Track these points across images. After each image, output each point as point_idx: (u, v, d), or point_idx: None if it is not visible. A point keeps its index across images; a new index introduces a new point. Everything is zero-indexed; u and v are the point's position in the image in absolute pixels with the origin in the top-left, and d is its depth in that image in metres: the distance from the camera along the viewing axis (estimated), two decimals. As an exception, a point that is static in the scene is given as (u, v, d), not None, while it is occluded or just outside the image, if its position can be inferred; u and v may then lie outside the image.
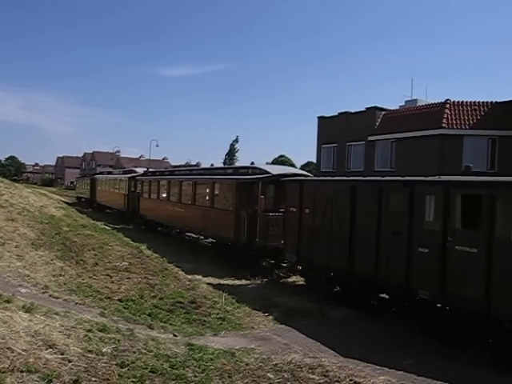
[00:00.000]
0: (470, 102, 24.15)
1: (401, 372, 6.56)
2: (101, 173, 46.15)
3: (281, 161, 64.27)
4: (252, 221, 14.27)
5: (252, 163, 24.73)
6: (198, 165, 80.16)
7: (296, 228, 11.96)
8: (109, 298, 9.87)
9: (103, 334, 6.13)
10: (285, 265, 14.11)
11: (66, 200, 45.77)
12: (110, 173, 42.46)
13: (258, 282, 13.17)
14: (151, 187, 25.40)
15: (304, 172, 16.58)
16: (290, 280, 13.68)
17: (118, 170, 45.72)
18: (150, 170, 32.04)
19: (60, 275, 10.87)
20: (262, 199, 14.53)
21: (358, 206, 10.20)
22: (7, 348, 4.77)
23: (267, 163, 51.34)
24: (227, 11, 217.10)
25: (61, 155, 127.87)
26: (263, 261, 14.85)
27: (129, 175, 30.87)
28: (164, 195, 23.33)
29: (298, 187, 12.17)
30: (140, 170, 31.32)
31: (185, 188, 20.60)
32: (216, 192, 17.40)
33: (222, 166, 23.24)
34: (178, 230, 22.35)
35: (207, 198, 18.23)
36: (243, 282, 13.23)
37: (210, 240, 19.42)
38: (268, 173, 14.89)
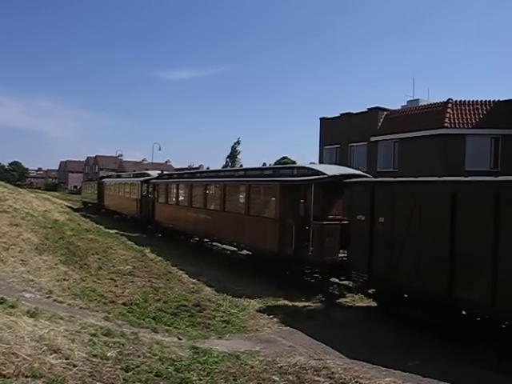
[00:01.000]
0: (473, 101, 24.11)
1: (406, 373, 6.52)
2: (109, 176, 42.12)
3: (283, 162, 64.26)
4: (301, 230, 12.14)
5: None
6: (200, 168, 79.95)
7: (366, 241, 9.78)
8: (113, 301, 9.89)
9: (108, 338, 6.13)
10: (340, 282, 12.22)
11: (70, 205, 44.87)
12: (119, 176, 38.97)
13: (316, 302, 11.00)
14: (168, 191, 22.74)
15: (362, 173, 13.82)
16: (346, 300, 11.50)
17: (128, 172, 41.78)
18: (166, 172, 29.54)
19: (64, 280, 10.90)
20: (317, 204, 12.44)
21: (462, 215, 8.01)
22: (12, 353, 4.78)
23: (269, 164, 51.34)
24: (227, 14, 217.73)
25: (64, 160, 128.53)
26: (312, 277, 12.87)
27: (142, 178, 28.01)
28: (184, 200, 20.76)
29: (368, 191, 10.02)
30: (154, 173, 28.25)
31: (211, 192, 18.31)
32: (253, 196, 14.93)
33: (258, 166, 19.31)
34: (205, 239, 19.49)
35: (241, 203, 15.71)
36: (301, 303, 10.87)
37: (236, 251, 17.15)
38: (322, 173, 12.40)
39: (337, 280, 12.38)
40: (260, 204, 14.80)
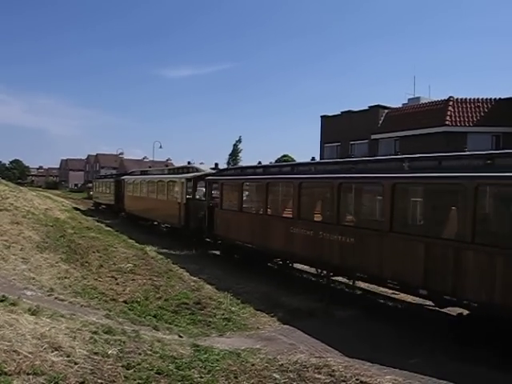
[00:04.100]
0: (474, 99, 24.10)
1: (407, 371, 6.52)
2: (131, 172, 35.02)
3: (284, 160, 64.20)
4: None
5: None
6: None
7: None
8: (114, 299, 9.89)
9: (109, 336, 6.14)
10: None
11: (77, 206, 41.49)
12: (145, 172, 30.99)
13: None
14: (243, 193, 15.40)
15: None
16: None
17: (160, 168, 33.54)
18: (230, 166, 22.12)
19: (65, 278, 10.91)
20: None
21: None
22: (13, 351, 4.79)
23: (270, 163, 50.98)
24: (228, 11, 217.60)
25: (64, 158, 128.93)
26: None
27: (187, 175, 20.54)
28: (285, 208, 13.56)
29: None
30: (204, 168, 21.18)
31: (353, 198, 11.84)
32: (484, 208, 8.52)
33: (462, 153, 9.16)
34: (326, 271, 11.82)
35: (450, 220, 8.95)
36: None
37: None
38: None
39: None
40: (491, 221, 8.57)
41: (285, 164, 16.70)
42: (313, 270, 13.23)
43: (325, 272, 11.94)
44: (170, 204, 21.52)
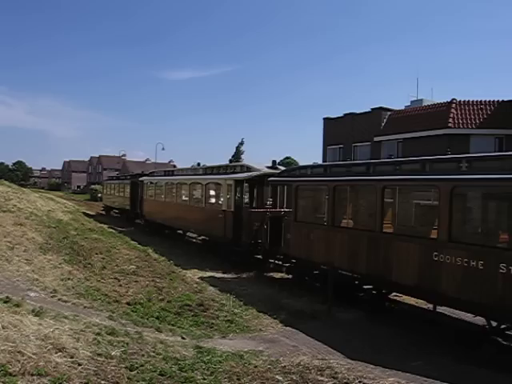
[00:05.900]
0: (476, 101, 24.05)
1: (410, 373, 6.51)
2: (151, 173, 29.44)
3: (287, 162, 64.37)
4: None
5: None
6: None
7: None
8: (117, 301, 9.92)
9: (112, 338, 6.16)
10: None
11: (79, 208, 38.34)
12: (169, 172, 25.94)
13: None
14: (347, 202, 11.60)
15: None
16: None
17: (193, 167, 24.82)
18: (305, 164, 14.63)
19: (68, 279, 10.94)
20: None
21: None
22: (18, 352, 4.81)
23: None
24: (230, 14, 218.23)
25: (67, 159, 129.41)
26: None
27: (237, 175, 16.32)
28: (421, 224, 10.31)
29: None
30: (259, 167, 16.34)
31: None
32: None
33: None
34: None
35: None
36: None
37: None
38: None
39: None
40: None
41: (408, 160, 10.42)
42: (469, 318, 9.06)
43: (502, 325, 7.82)
44: (211, 211, 17.71)
